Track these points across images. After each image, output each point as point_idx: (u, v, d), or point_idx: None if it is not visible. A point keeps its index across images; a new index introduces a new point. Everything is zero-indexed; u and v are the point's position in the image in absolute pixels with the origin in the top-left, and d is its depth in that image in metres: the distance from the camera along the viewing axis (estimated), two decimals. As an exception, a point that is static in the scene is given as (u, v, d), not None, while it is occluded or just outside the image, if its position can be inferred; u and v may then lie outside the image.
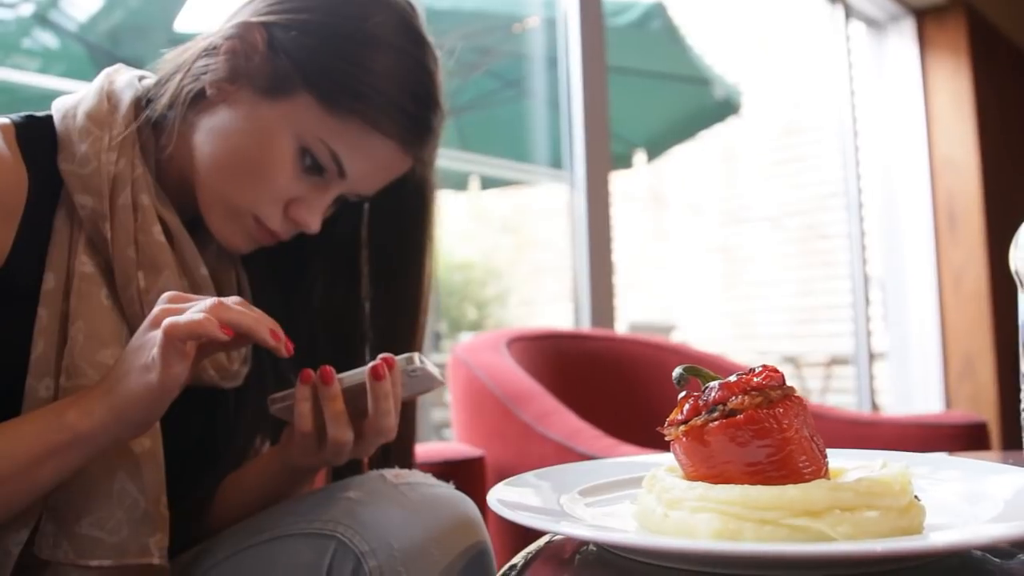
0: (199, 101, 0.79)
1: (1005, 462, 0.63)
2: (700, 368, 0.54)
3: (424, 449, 1.31)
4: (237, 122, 0.77)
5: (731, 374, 0.52)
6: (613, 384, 1.80)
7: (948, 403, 3.54)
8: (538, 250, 6.90)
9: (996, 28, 3.80)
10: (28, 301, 0.72)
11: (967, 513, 0.53)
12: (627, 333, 2.83)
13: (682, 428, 0.52)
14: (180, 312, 0.64)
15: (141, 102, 0.79)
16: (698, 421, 0.51)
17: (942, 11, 3.60)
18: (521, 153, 2.96)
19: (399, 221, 0.89)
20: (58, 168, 0.74)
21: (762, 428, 0.49)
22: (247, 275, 0.89)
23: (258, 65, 0.77)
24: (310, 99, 0.76)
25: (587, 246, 2.31)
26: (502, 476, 0.63)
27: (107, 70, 0.82)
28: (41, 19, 2.27)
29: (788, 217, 5.81)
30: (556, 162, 2.49)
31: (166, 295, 0.68)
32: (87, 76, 0.81)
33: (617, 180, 3.20)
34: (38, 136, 0.75)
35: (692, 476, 0.52)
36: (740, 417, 0.49)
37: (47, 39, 2.33)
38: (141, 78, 0.82)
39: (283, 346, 0.68)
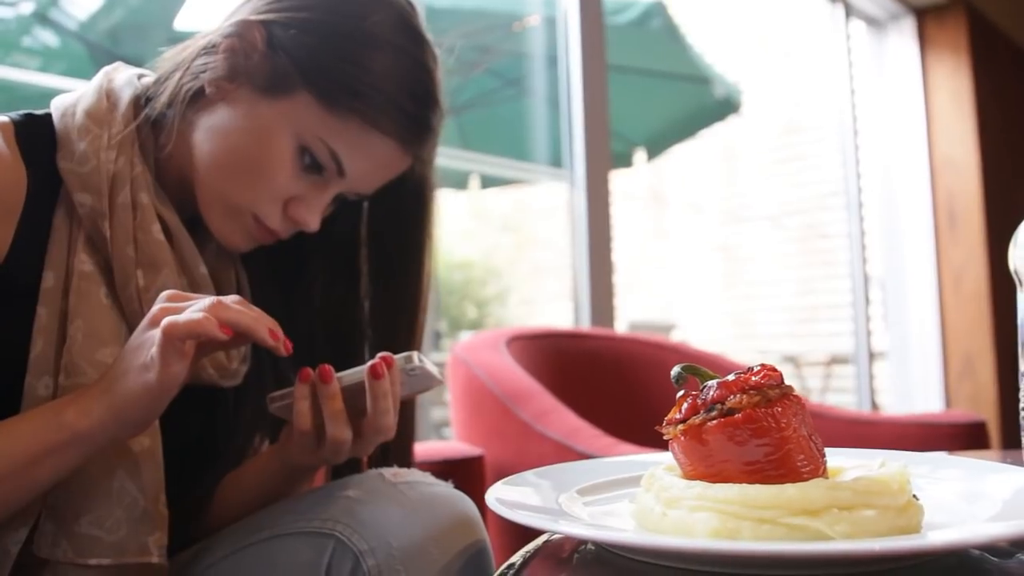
0: (198, 99, 0.79)
1: (1004, 462, 0.63)
2: (698, 367, 0.54)
3: (423, 448, 1.31)
4: (236, 120, 0.77)
5: (730, 373, 0.52)
6: (612, 383, 1.80)
7: (948, 403, 3.55)
8: (538, 249, 6.90)
9: (996, 27, 3.80)
10: (27, 299, 0.72)
11: (965, 512, 0.53)
12: (627, 332, 2.83)
13: (680, 427, 0.52)
14: (179, 311, 0.64)
15: (140, 100, 0.79)
16: (696, 420, 0.51)
17: (942, 10, 3.60)
18: (521, 152, 2.96)
19: (398, 220, 0.89)
20: (57, 166, 0.74)
21: (760, 427, 0.49)
22: (246, 274, 0.89)
23: (257, 63, 0.77)
24: (309, 98, 0.76)
25: (587, 245, 2.31)
26: (501, 475, 0.63)
27: (106, 68, 0.82)
28: (41, 17, 2.27)
29: (788, 216, 5.81)
30: (556, 161, 2.48)
31: (165, 294, 0.68)
32: (87, 75, 0.81)
33: (617, 179, 3.20)
34: (37, 134, 0.75)
35: (690, 475, 0.52)
36: (738, 416, 0.49)
37: (47, 37, 2.33)
38: (140, 76, 0.82)
39: (282, 345, 0.68)
